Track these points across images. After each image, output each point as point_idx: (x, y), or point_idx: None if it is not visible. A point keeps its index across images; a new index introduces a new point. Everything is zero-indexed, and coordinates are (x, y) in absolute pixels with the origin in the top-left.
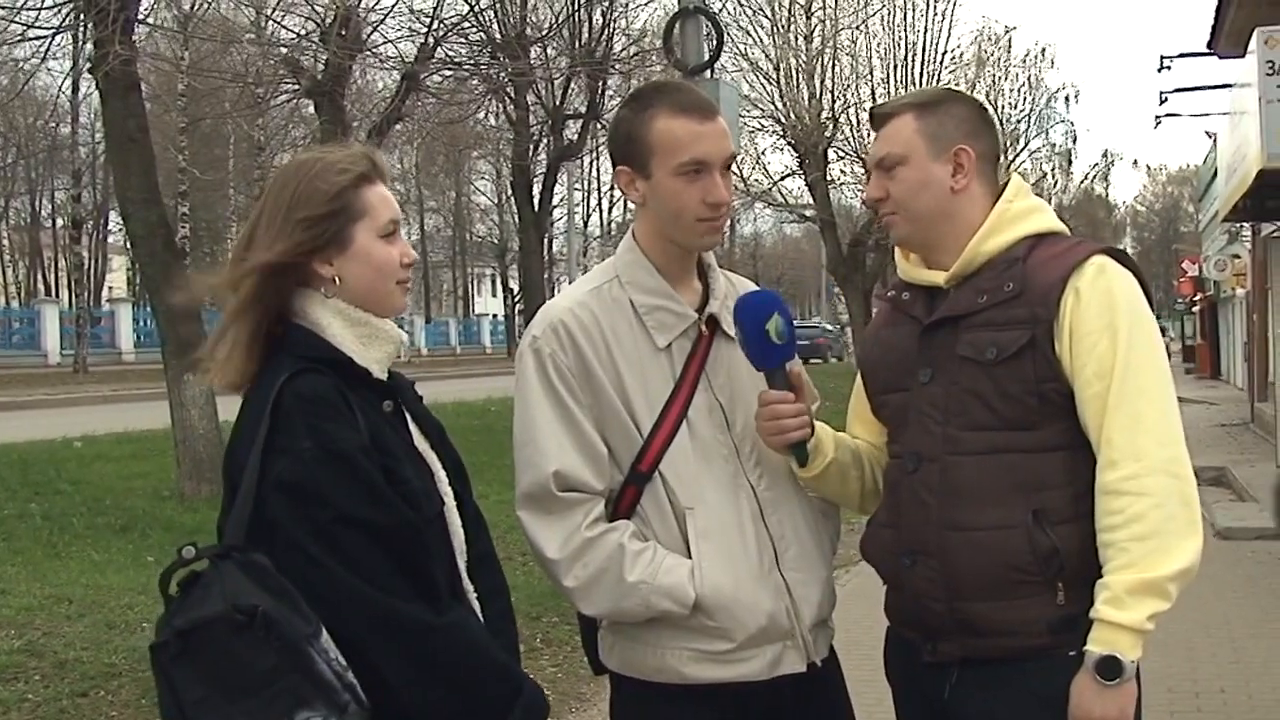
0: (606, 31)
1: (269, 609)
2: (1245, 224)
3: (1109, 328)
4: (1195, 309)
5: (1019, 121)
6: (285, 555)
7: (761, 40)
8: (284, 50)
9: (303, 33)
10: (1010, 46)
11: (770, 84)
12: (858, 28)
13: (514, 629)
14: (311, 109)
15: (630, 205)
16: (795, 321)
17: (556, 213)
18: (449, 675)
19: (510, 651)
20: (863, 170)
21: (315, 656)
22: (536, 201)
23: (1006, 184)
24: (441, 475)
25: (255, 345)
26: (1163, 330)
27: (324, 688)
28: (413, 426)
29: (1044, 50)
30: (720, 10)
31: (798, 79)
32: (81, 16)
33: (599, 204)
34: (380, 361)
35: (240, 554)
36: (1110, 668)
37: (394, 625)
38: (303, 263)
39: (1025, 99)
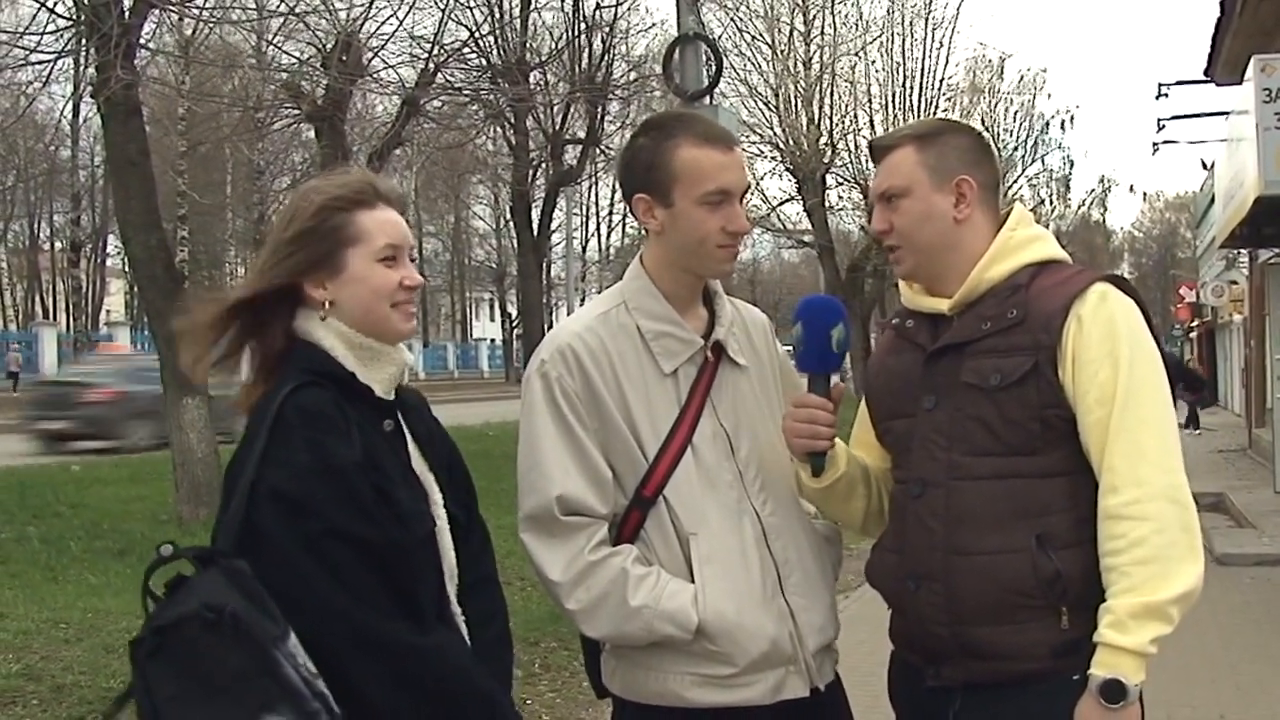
0: (606, 57)
1: (237, 608)
2: (1242, 250)
3: (1110, 355)
4: (1192, 335)
5: (1015, 148)
6: (273, 564)
7: (760, 66)
8: (284, 75)
9: (303, 58)
10: (1003, 72)
11: (769, 110)
12: (856, 55)
13: (509, 654)
14: (312, 134)
15: (629, 230)
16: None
17: (555, 237)
18: (427, 696)
19: (502, 677)
20: (861, 196)
21: (281, 660)
22: (535, 226)
23: (1009, 212)
24: (437, 497)
25: (265, 364)
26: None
27: (291, 693)
28: (412, 447)
29: (1038, 77)
30: (719, 36)
31: (796, 105)
32: (84, 41)
33: (598, 229)
34: (382, 381)
35: (225, 560)
36: (1114, 691)
37: (375, 641)
38: (296, 284)
39: (1022, 125)
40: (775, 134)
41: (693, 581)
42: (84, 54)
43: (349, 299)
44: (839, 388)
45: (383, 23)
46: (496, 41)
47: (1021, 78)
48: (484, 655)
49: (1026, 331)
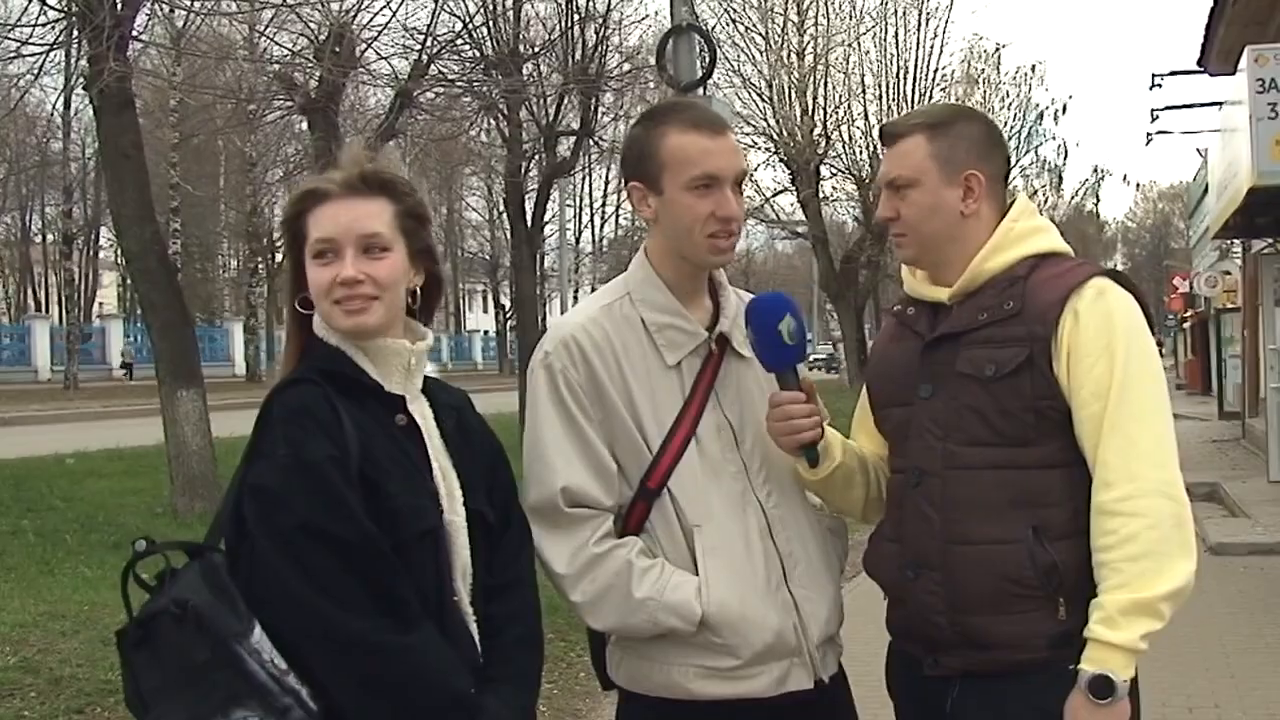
0: (600, 48)
1: (199, 603)
2: (1236, 240)
3: (1107, 350)
4: (1186, 325)
5: (1010, 138)
6: (254, 558)
7: (754, 57)
8: (277, 66)
9: (296, 49)
10: (1000, 64)
11: (763, 101)
12: (850, 45)
13: (532, 656)
14: (304, 125)
15: (622, 221)
16: None
17: (549, 229)
18: (392, 695)
19: (516, 679)
20: (855, 187)
21: (244, 655)
22: (529, 218)
23: (1012, 202)
24: (456, 494)
25: (295, 358)
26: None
27: (258, 688)
28: (436, 443)
29: (1034, 67)
30: (713, 27)
31: (790, 96)
32: (76, 33)
33: (591, 220)
34: (392, 374)
35: (208, 553)
36: (1102, 687)
37: (337, 637)
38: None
39: (1016, 116)
40: (769, 125)
41: (697, 573)
42: (76, 46)
43: (315, 300)
44: (807, 379)
45: (375, 14)
46: (489, 32)
47: (1018, 68)
48: (502, 656)
49: (1022, 323)
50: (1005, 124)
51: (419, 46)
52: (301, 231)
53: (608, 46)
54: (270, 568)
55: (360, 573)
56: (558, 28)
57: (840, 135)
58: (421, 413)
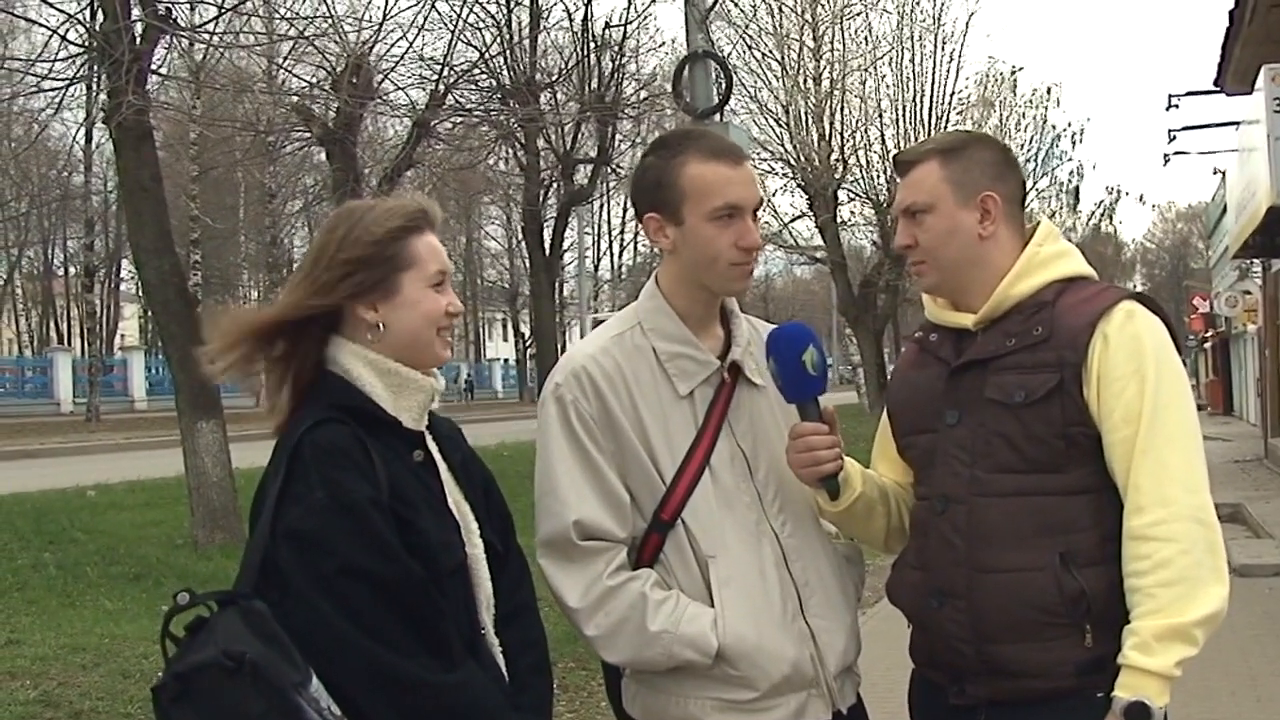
0: (616, 76)
1: (256, 655)
2: (1256, 260)
3: (1137, 373)
4: (1207, 345)
5: (1026, 161)
6: (291, 603)
7: (770, 83)
8: (295, 98)
9: (314, 81)
10: (1016, 87)
11: (780, 126)
12: (866, 70)
13: (545, 682)
14: (323, 157)
15: (641, 249)
16: None
17: (567, 257)
18: None
19: (536, 706)
20: (873, 211)
21: (303, 705)
22: (547, 246)
23: (1035, 226)
24: (473, 526)
25: (293, 390)
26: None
27: None
28: (447, 477)
29: (1050, 89)
30: (729, 54)
31: (807, 121)
32: (95, 68)
33: (609, 248)
34: (411, 410)
35: (244, 601)
36: (1139, 713)
37: (389, 680)
38: (345, 307)
39: (1032, 139)
40: (786, 150)
41: (712, 605)
42: (96, 80)
43: (398, 322)
44: (829, 410)
45: (392, 45)
46: (506, 62)
47: (1034, 90)
48: (519, 685)
49: (1052, 348)
50: (1022, 146)
51: (436, 77)
52: (406, 252)
53: (624, 74)
54: (314, 612)
55: (405, 613)
56: (574, 56)
57: (858, 160)
58: (432, 448)
